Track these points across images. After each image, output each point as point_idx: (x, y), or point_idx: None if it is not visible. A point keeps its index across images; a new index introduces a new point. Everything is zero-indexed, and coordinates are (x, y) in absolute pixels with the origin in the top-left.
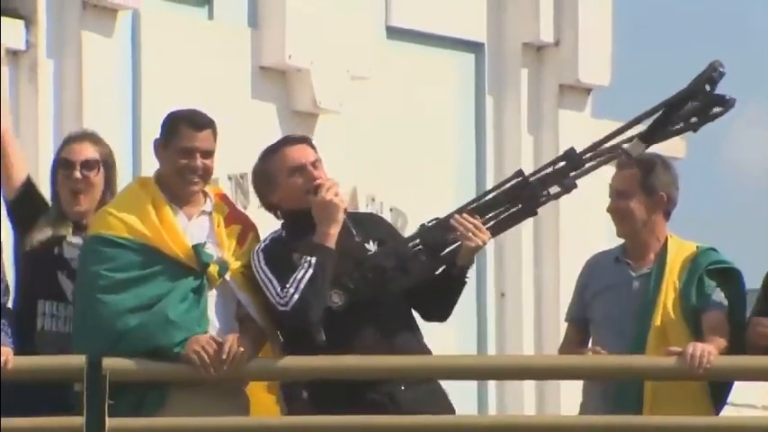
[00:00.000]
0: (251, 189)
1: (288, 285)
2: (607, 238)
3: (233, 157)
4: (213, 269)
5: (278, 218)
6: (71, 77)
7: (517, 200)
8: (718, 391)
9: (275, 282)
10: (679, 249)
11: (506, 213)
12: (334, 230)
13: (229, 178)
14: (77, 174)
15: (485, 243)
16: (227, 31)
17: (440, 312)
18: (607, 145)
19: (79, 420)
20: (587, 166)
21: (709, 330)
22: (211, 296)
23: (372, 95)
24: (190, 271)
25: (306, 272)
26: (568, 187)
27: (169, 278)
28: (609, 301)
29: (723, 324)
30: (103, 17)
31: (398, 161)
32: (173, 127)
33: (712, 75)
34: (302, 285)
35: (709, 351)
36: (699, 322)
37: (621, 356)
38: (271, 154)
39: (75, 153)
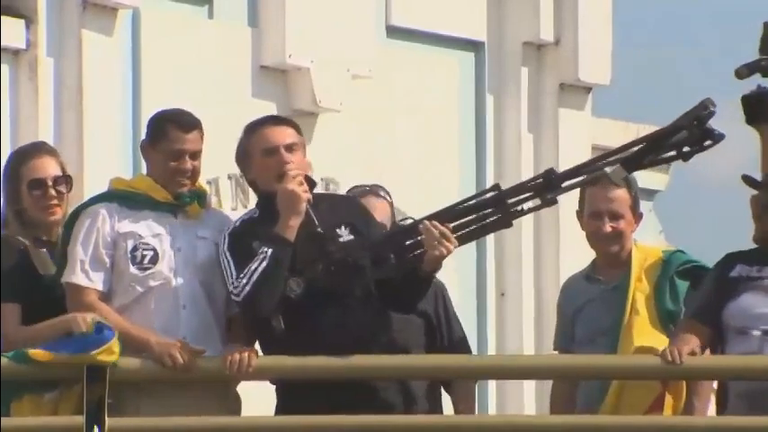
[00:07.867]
0: (251, 189)
1: (242, 275)
2: None
3: (233, 156)
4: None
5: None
6: (71, 76)
7: (493, 211)
8: None
9: (233, 269)
10: (646, 256)
11: (480, 223)
12: (294, 222)
13: (229, 178)
14: (52, 191)
15: (449, 252)
16: (227, 30)
17: (400, 306)
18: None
19: (79, 420)
20: (566, 184)
21: (685, 334)
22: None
23: (373, 94)
24: None
25: (261, 263)
26: (549, 202)
27: None
28: (586, 319)
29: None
30: (103, 16)
31: (399, 160)
32: (160, 128)
33: (702, 113)
34: (255, 277)
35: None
36: (675, 326)
37: (614, 356)
38: (252, 130)
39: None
